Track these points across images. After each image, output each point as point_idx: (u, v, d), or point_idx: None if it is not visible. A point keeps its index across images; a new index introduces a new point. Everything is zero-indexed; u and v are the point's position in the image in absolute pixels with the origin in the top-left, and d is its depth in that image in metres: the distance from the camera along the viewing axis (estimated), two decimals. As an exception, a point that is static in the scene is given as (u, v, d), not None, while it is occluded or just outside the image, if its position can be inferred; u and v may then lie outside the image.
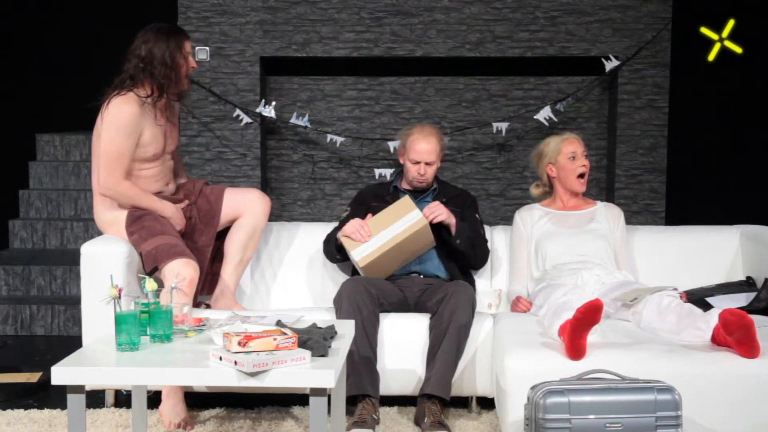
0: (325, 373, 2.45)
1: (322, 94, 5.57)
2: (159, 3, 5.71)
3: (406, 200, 3.63)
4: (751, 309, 3.52)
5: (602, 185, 5.56)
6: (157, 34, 3.51)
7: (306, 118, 5.33)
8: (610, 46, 5.31)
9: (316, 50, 5.35)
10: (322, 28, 5.34)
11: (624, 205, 5.31)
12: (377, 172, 5.37)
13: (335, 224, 4.10)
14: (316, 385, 2.46)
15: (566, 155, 3.73)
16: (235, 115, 5.35)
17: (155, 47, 3.48)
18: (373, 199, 3.85)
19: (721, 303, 3.53)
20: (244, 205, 3.70)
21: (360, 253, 3.57)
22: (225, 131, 5.38)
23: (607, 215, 3.78)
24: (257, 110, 5.31)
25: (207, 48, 5.33)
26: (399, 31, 5.34)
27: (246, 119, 5.34)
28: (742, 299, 3.57)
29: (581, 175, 3.73)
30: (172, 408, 3.36)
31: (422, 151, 3.74)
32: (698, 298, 3.56)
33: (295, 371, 2.47)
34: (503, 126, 5.37)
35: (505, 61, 5.46)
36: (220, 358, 2.49)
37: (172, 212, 3.57)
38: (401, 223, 3.57)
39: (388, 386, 3.49)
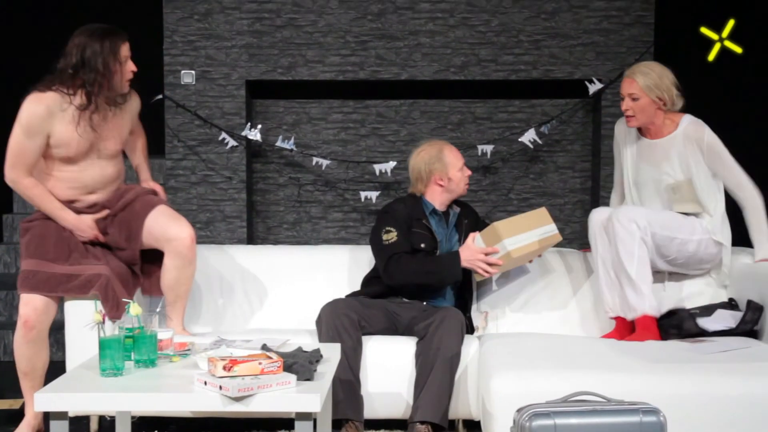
0: (310, 397, 2.44)
1: (307, 117, 5.58)
2: (144, 26, 5.72)
3: (543, 212, 3.72)
4: (738, 332, 3.53)
5: (587, 207, 5.59)
6: (91, 36, 3.34)
7: (292, 141, 5.34)
8: (594, 69, 5.36)
9: (302, 74, 5.37)
10: (308, 52, 5.36)
11: (609, 226, 5.32)
12: (363, 194, 5.38)
13: (322, 246, 4.11)
14: (301, 409, 2.45)
15: None
16: (220, 138, 5.35)
17: (87, 50, 3.32)
18: (413, 223, 3.73)
19: (712, 325, 3.54)
20: (164, 245, 3.52)
21: (513, 244, 3.59)
22: (210, 154, 5.38)
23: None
24: (243, 133, 5.31)
25: (193, 71, 5.34)
26: (384, 55, 5.37)
27: (232, 142, 5.34)
28: (730, 319, 3.57)
29: None
30: None
31: (459, 153, 3.87)
32: (693, 326, 3.55)
33: (281, 395, 2.46)
34: (488, 148, 5.40)
35: (489, 84, 5.49)
36: (205, 383, 2.48)
37: (73, 224, 3.44)
38: (540, 231, 3.66)
39: (374, 410, 3.47)
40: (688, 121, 3.76)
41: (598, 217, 3.73)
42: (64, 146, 3.39)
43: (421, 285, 3.66)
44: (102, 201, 3.55)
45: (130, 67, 3.45)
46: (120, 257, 3.54)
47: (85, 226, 3.47)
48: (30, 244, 3.44)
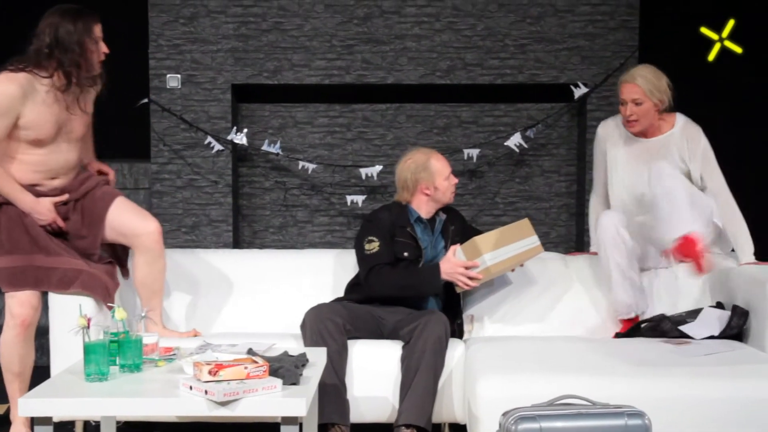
0: (296, 402, 2.44)
1: (293, 121, 5.58)
2: (130, 29, 5.70)
3: (525, 223, 3.70)
4: (723, 336, 3.55)
5: (572, 211, 5.61)
6: (63, 16, 3.30)
7: (278, 145, 5.34)
8: (579, 73, 5.38)
9: (288, 77, 5.37)
10: (294, 56, 5.36)
11: (594, 230, 5.35)
12: (349, 198, 5.38)
13: (308, 250, 4.11)
14: (287, 413, 2.45)
15: None
16: (206, 142, 5.34)
17: (61, 30, 3.28)
18: (397, 232, 3.72)
19: (696, 331, 3.56)
20: (131, 241, 3.51)
21: (493, 258, 3.56)
22: (196, 159, 5.37)
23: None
24: (229, 137, 5.30)
25: (178, 75, 5.33)
26: (370, 59, 5.38)
27: (217, 146, 5.33)
28: (715, 323, 3.58)
29: None
30: None
31: (446, 162, 3.83)
32: (673, 329, 3.57)
33: (267, 400, 2.45)
34: (474, 152, 5.41)
35: (475, 88, 5.51)
36: (191, 388, 2.47)
37: (31, 206, 3.36)
38: (521, 244, 3.64)
39: (360, 414, 3.47)
40: (684, 120, 3.82)
41: (609, 222, 3.73)
42: (35, 128, 3.32)
43: (402, 297, 3.66)
44: (63, 186, 3.49)
45: (103, 48, 3.40)
46: (78, 246, 3.47)
47: (43, 209, 3.39)
48: (2, 240, 3.36)
